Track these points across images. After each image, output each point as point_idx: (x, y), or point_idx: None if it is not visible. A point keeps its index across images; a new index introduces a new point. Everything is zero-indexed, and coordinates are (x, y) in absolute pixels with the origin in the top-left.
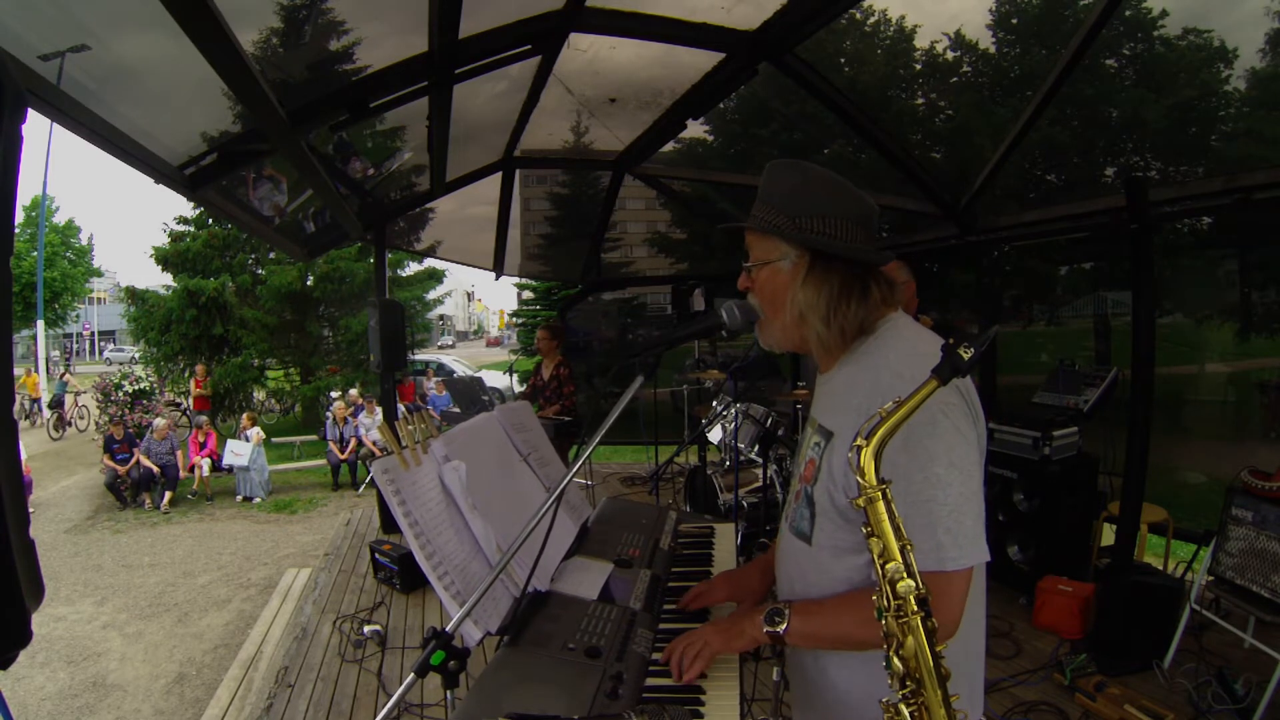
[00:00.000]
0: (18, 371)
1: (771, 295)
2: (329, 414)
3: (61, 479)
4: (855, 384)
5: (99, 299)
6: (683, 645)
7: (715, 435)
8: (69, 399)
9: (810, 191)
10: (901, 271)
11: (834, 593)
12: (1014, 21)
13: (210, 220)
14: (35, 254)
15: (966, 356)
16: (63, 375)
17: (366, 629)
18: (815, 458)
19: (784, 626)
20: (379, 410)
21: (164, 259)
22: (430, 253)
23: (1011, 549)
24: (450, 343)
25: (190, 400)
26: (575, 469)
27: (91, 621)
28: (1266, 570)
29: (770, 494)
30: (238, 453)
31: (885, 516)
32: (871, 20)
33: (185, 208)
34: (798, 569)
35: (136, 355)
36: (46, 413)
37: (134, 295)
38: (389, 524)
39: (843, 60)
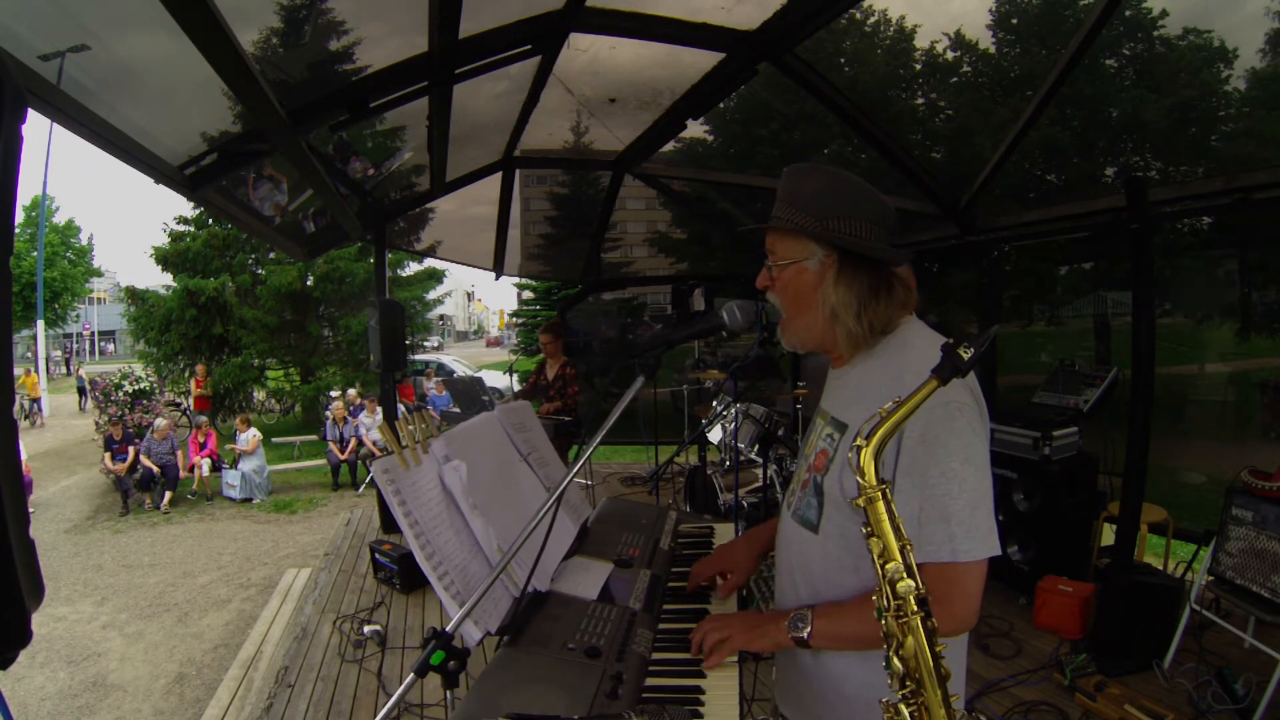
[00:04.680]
0: (17, 371)
1: (796, 294)
2: (329, 414)
3: (61, 479)
4: (872, 380)
5: (99, 299)
6: (707, 629)
7: (715, 435)
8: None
9: (836, 194)
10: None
11: (840, 582)
12: (1014, 21)
13: (210, 220)
14: (35, 254)
15: (966, 356)
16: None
17: (366, 629)
18: (828, 449)
19: (808, 631)
20: (379, 410)
21: (164, 259)
22: (430, 253)
23: (1011, 549)
24: (437, 344)
25: (190, 400)
26: (575, 469)
27: (91, 621)
28: (1266, 570)
29: (770, 494)
30: (233, 484)
31: (885, 516)
32: (871, 20)
33: (185, 208)
34: (800, 556)
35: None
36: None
37: (134, 295)
38: (389, 524)
39: (843, 60)
